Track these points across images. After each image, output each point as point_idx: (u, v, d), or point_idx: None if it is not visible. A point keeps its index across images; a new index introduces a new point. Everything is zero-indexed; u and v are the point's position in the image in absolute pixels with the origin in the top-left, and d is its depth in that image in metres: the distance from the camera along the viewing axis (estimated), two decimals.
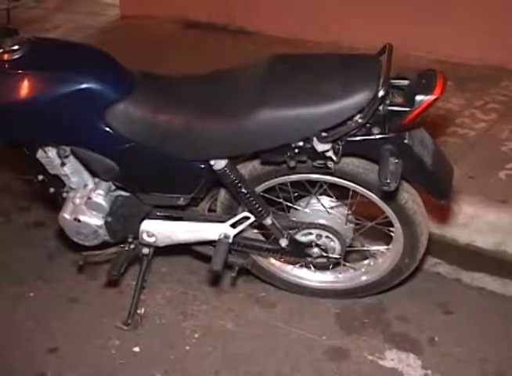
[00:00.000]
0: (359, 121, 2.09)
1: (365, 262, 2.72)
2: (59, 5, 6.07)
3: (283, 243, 2.51)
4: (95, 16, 6.18)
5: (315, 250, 2.54)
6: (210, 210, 2.66)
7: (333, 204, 2.53)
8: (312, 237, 2.53)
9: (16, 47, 2.33)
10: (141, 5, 5.90)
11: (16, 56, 2.31)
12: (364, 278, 2.69)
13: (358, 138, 2.17)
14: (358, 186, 2.36)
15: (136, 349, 2.61)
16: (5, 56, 2.31)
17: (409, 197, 2.37)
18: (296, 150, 2.21)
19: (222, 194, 2.53)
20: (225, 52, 5.05)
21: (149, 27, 5.78)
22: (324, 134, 2.14)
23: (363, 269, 2.70)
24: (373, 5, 4.73)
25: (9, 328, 2.74)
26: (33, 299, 2.88)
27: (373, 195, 2.38)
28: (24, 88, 2.27)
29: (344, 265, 2.70)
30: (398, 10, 4.61)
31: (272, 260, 2.74)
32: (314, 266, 2.71)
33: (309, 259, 2.59)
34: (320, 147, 2.17)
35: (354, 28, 4.80)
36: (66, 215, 2.56)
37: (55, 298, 2.87)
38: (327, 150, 2.18)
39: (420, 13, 4.52)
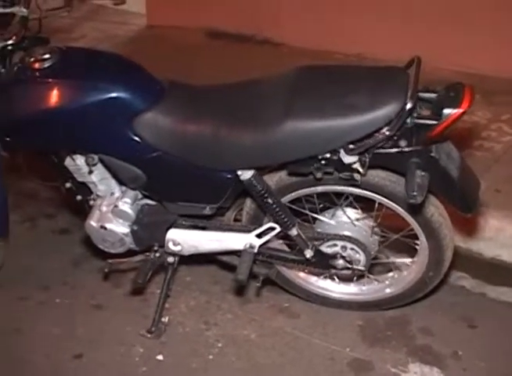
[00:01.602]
0: (387, 133, 2.10)
1: (390, 274, 2.71)
2: (87, 14, 6.12)
3: (308, 254, 2.51)
4: (122, 25, 6.21)
5: (340, 261, 2.54)
6: (235, 220, 2.67)
7: (358, 216, 2.53)
8: (337, 249, 2.53)
9: (46, 56, 2.35)
10: (168, 15, 5.92)
11: (47, 65, 2.33)
12: (388, 290, 2.68)
13: (385, 150, 2.17)
14: (384, 199, 2.36)
15: (160, 357, 2.62)
16: (36, 65, 2.34)
17: (435, 210, 2.37)
18: (323, 162, 2.22)
19: (248, 204, 2.54)
20: (251, 62, 5.05)
21: (175, 37, 5.80)
22: (351, 146, 2.14)
23: (387, 282, 2.69)
24: (398, 17, 4.72)
25: (34, 334, 2.76)
26: (58, 305, 2.90)
27: (398, 207, 2.37)
28: (54, 96, 2.30)
29: (369, 277, 2.69)
30: (423, 22, 4.60)
31: (297, 271, 2.74)
32: (338, 278, 2.71)
33: (334, 271, 2.59)
34: (347, 159, 2.17)
35: (378, 40, 4.79)
36: (93, 222, 2.58)
37: (80, 305, 2.90)
38: (354, 162, 2.19)
39: (446, 25, 4.50)
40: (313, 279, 2.77)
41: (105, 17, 6.30)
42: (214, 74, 4.44)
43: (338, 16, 5.04)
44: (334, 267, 2.57)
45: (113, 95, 2.25)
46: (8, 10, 2.50)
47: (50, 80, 2.32)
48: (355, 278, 2.68)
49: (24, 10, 2.49)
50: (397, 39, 4.68)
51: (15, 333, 2.76)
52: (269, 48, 5.37)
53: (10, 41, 2.51)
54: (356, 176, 2.25)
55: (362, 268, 2.55)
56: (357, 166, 2.19)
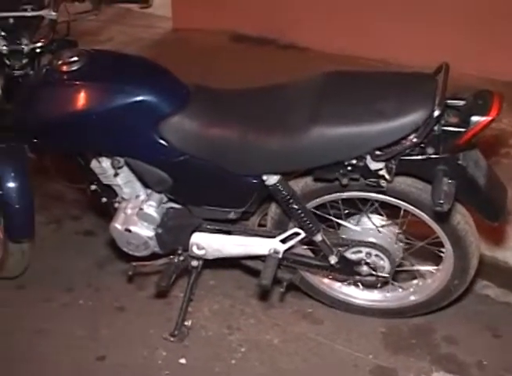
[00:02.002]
0: (414, 140, 2.08)
1: (414, 281, 2.69)
2: (114, 17, 6.16)
3: (333, 260, 2.50)
4: (148, 28, 6.25)
5: (364, 268, 2.53)
6: (260, 225, 2.67)
7: (383, 223, 2.52)
8: (362, 255, 2.52)
9: (74, 59, 2.37)
10: (193, 18, 5.95)
11: (75, 68, 2.35)
12: (412, 298, 2.66)
13: (411, 157, 2.16)
14: (409, 206, 2.35)
15: (182, 361, 2.62)
16: (64, 68, 2.35)
17: (462, 218, 2.35)
18: (349, 168, 2.21)
19: (273, 209, 2.54)
20: (274, 66, 5.05)
21: (200, 40, 5.82)
22: (378, 152, 2.13)
23: (412, 289, 2.68)
24: (423, 22, 4.70)
25: (58, 335, 2.77)
26: (82, 307, 2.92)
27: (424, 215, 2.36)
28: (81, 99, 2.31)
29: (393, 284, 2.68)
30: (449, 27, 4.57)
31: (321, 277, 2.73)
32: (362, 284, 2.70)
33: (358, 277, 2.58)
34: (373, 166, 2.17)
35: (403, 45, 4.78)
36: (118, 225, 2.59)
37: (104, 307, 2.91)
38: (380, 169, 2.18)
39: (472, 30, 4.48)
40: (337, 285, 2.76)
41: (131, 20, 6.34)
42: (238, 77, 4.43)
43: (362, 20, 5.03)
44: (358, 273, 2.55)
45: (140, 98, 2.26)
46: (37, 13, 2.52)
47: (78, 83, 2.33)
48: (379, 285, 2.67)
49: (53, 13, 2.50)
50: (422, 44, 4.66)
51: (39, 333, 2.78)
52: (292, 52, 5.37)
53: (39, 44, 2.54)
54: (382, 183, 2.24)
55: (387, 275, 2.54)
56: (383, 173, 2.19)
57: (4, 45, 2.48)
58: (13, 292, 3.01)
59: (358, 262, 2.53)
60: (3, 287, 3.03)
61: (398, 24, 4.84)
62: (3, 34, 2.51)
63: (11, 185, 2.69)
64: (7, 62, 2.52)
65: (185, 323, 2.71)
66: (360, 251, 2.52)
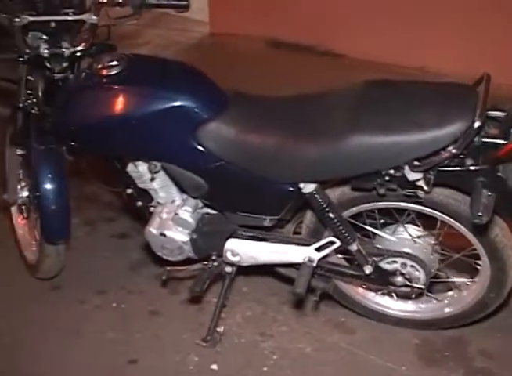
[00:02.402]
0: (453, 151, 2.06)
1: (449, 293, 2.66)
2: (152, 21, 6.19)
3: (367, 270, 2.48)
4: (186, 32, 6.28)
5: (399, 278, 2.51)
6: (295, 232, 2.66)
7: (419, 234, 2.50)
8: (397, 266, 2.50)
9: (114, 63, 2.38)
10: (230, 23, 5.97)
11: (114, 72, 2.36)
12: (447, 310, 2.64)
13: (450, 168, 2.13)
14: (447, 217, 2.33)
15: (214, 367, 2.62)
16: (104, 72, 2.37)
17: (500, 230, 2.32)
18: (386, 178, 2.20)
19: (309, 217, 2.53)
20: (311, 73, 5.06)
21: (236, 45, 5.85)
22: (416, 163, 2.11)
23: (446, 301, 2.65)
24: (462, 31, 4.68)
25: (91, 336, 2.79)
26: (115, 309, 2.94)
27: (461, 227, 2.34)
28: (120, 103, 2.32)
29: (427, 295, 2.66)
30: (487, 35, 4.55)
31: (355, 286, 2.71)
32: (396, 295, 2.68)
33: (392, 288, 2.56)
34: (411, 176, 2.15)
35: (441, 53, 4.76)
36: (153, 229, 2.60)
37: (137, 310, 2.92)
38: (418, 179, 2.16)
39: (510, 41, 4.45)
40: (371, 295, 2.74)
41: (168, 24, 6.38)
42: (274, 83, 4.45)
43: (400, 27, 5.02)
44: (393, 284, 2.53)
45: (179, 103, 2.27)
46: (78, 17, 2.54)
47: (117, 87, 2.34)
48: (413, 296, 2.64)
49: (94, 17, 2.53)
50: (460, 53, 4.64)
51: (72, 334, 2.80)
52: (329, 59, 5.38)
53: (79, 48, 2.57)
54: (420, 193, 2.22)
55: (422, 286, 2.51)
56: (421, 183, 2.17)
57: (45, 49, 2.51)
58: (48, 292, 3.05)
59: (393, 273, 2.51)
60: (39, 287, 3.07)
61: (436, 32, 4.83)
62: (45, 37, 2.54)
63: (48, 186, 2.72)
64: (48, 65, 2.54)
65: (218, 329, 2.71)
66: (395, 262, 2.50)
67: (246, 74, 4.83)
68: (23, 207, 3.01)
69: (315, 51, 5.51)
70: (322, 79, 4.59)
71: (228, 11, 6.04)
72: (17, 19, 2.44)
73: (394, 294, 2.69)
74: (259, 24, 5.76)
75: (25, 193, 2.96)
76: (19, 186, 2.99)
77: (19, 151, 2.87)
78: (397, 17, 5.04)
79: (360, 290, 2.73)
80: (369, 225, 2.51)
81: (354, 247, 2.43)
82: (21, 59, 2.58)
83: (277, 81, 4.68)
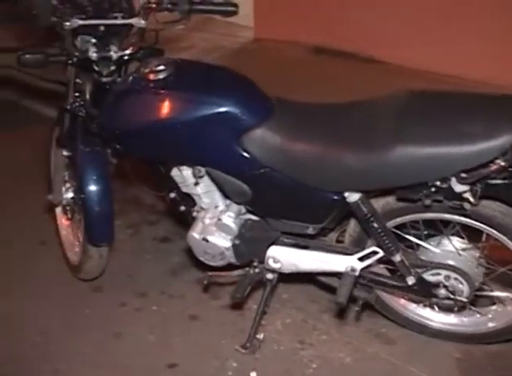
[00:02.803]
0: (502, 164, 2.03)
1: (493, 307, 2.62)
2: (197, 25, 6.22)
3: (410, 281, 2.46)
4: (230, 37, 6.30)
5: (442, 291, 2.47)
6: (337, 241, 2.64)
7: (464, 246, 2.46)
8: (440, 278, 2.47)
9: (161, 67, 2.39)
10: (274, 29, 5.98)
11: (161, 76, 2.37)
12: (490, 324, 2.60)
13: (498, 181, 2.11)
14: (493, 230, 2.30)
15: (253, 374, 2.61)
16: (151, 76, 2.38)
17: None
18: (432, 189, 2.17)
19: (352, 226, 2.51)
20: (353, 79, 5.04)
21: (280, 51, 5.85)
22: (463, 175, 2.09)
23: (490, 315, 2.61)
24: (503, 41, 4.62)
25: (131, 339, 2.81)
26: (155, 313, 2.95)
27: (507, 240, 2.30)
28: (166, 107, 2.33)
29: (471, 309, 2.62)
30: None
31: (396, 297, 2.69)
32: (439, 307, 2.65)
33: (435, 300, 2.52)
34: (458, 188, 2.12)
35: (481, 62, 4.71)
36: (195, 234, 2.60)
37: (177, 314, 2.93)
38: (465, 192, 2.13)
39: None
40: (412, 306, 2.71)
41: (213, 28, 6.41)
42: (317, 89, 4.45)
43: (441, 35, 4.98)
44: (436, 296, 2.50)
45: (225, 109, 2.27)
46: (127, 21, 2.56)
47: (163, 91, 2.35)
48: (456, 309, 2.60)
49: (142, 22, 2.54)
50: (502, 62, 4.58)
51: (113, 336, 2.82)
52: (371, 66, 5.35)
53: (127, 52, 2.58)
54: (466, 206, 2.19)
55: (465, 299, 2.48)
56: (468, 195, 2.14)
57: (94, 52, 2.52)
58: (90, 294, 3.07)
59: (437, 285, 2.47)
60: (81, 288, 3.10)
61: (479, 41, 4.78)
62: (93, 41, 2.56)
63: (93, 188, 2.74)
64: (96, 68, 2.56)
65: (258, 335, 2.70)
66: (439, 274, 2.47)
67: (289, 80, 4.83)
68: (68, 208, 3.05)
69: (357, 57, 5.48)
70: (364, 86, 4.58)
71: (272, 17, 6.05)
72: (67, 23, 2.46)
73: (436, 307, 2.65)
74: (303, 30, 5.76)
75: (70, 195, 2.99)
76: (64, 188, 3.02)
77: (65, 153, 2.90)
78: (438, 25, 5.01)
79: (402, 301, 2.71)
80: (413, 236, 2.49)
81: (397, 257, 2.41)
82: (70, 61, 2.61)
83: (320, 88, 4.67)
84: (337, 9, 5.57)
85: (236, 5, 2.66)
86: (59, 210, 3.21)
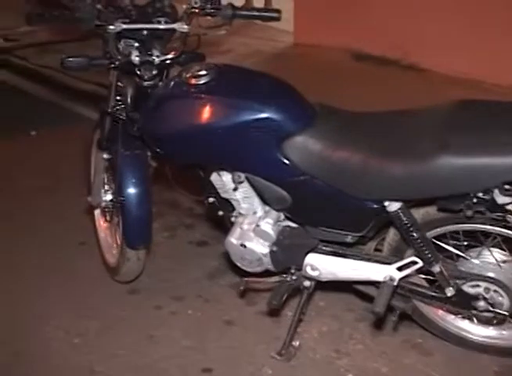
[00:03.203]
0: None
1: None
2: (236, 29, 6.23)
3: (449, 292, 2.43)
4: (269, 41, 6.31)
5: (482, 303, 2.44)
6: (375, 249, 2.62)
7: (505, 258, 2.43)
8: (480, 290, 2.43)
9: (203, 72, 2.39)
10: (314, 34, 5.97)
11: (203, 82, 2.37)
12: None
13: None
14: None
15: None
16: (192, 81, 2.38)
17: None
18: (475, 200, 2.14)
19: (391, 235, 2.49)
20: (395, 87, 5.02)
21: (320, 56, 5.84)
22: (507, 186, 2.05)
23: None
24: None
25: (166, 342, 2.81)
26: (190, 317, 2.95)
27: None
28: (207, 113, 2.34)
29: (510, 322, 2.58)
30: None
31: (434, 308, 2.65)
32: (477, 319, 2.61)
33: (474, 312, 2.49)
34: (501, 200, 2.10)
35: None
36: (233, 239, 2.59)
37: (212, 319, 2.92)
38: (508, 203, 2.11)
39: None
40: (450, 317, 2.67)
41: (252, 33, 6.43)
42: (357, 96, 4.43)
43: (488, 44, 4.92)
44: (475, 308, 2.47)
45: (266, 115, 2.27)
46: (170, 26, 2.58)
47: (205, 96, 2.36)
48: (495, 321, 2.56)
49: (185, 27, 2.56)
50: None
51: (149, 340, 2.82)
52: (413, 73, 5.33)
53: (169, 56, 2.59)
54: (509, 218, 2.16)
55: (505, 312, 2.45)
56: (511, 207, 2.11)
57: (136, 56, 2.54)
58: (126, 296, 3.09)
59: (476, 297, 2.44)
60: (117, 290, 3.11)
61: None
62: (136, 45, 2.58)
63: (132, 191, 2.76)
64: (138, 72, 2.57)
65: (293, 343, 2.69)
66: (478, 286, 2.44)
67: (329, 86, 4.83)
68: (106, 210, 3.07)
69: (399, 64, 5.46)
70: (407, 94, 4.56)
71: (313, 22, 6.05)
72: (111, 27, 2.49)
73: (475, 319, 2.61)
74: (344, 36, 5.74)
75: (109, 197, 3.01)
76: (103, 190, 3.04)
77: (105, 155, 2.92)
78: (486, 33, 4.95)
79: (440, 312, 2.67)
80: (453, 247, 2.46)
81: (436, 268, 2.39)
82: (112, 65, 2.63)
83: (360, 94, 4.66)
84: (379, 14, 5.55)
85: (278, 11, 2.67)
86: (97, 212, 3.24)
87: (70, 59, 2.59)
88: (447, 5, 5.17)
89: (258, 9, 2.76)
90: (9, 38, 7.17)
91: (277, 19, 2.68)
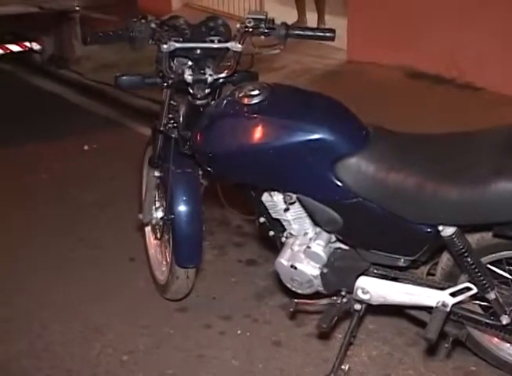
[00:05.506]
0: None
1: None
2: (289, 46, 6.23)
3: (504, 320, 2.36)
4: (322, 58, 6.29)
5: None
6: (428, 274, 2.57)
7: None
8: None
9: (255, 92, 2.38)
10: (368, 52, 5.93)
11: (255, 101, 2.36)
12: None
13: None
14: None
15: None
16: (245, 100, 2.38)
17: None
18: None
19: (444, 260, 2.44)
20: (450, 106, 4.94)
21: (373, 74, 5.79)
22: None
23: None
24: None
25: (215, 362, 2.79)
26: (239, 337, 2.93)
27: None
28: (259, 132, 2.33)
29: None
30: None
31: (489, 335, 2.59)
32: None
33: None
34: None
35: None
36: (284, 260, 2.56)
37: (261, 339, 2.90)
38: None
39: None
40: (506, 346, 2.59)
41: (305, 50, 6.41)
42: (410, 115, 4.37)
43: None
44: None
45: (319, 136, 2.25)
46: (223, 45, 2.59)
47: (257, 116, 2.35)
48: None
49: (239, 46, 2.56)
50: None
51: (197, 359, 2.81)
52: (470, 93, 5.24)
53: (222, 75, 2.59)
54: None
55: None
56: None
57: (189, 75, 2.54)
58: (175, 314, 3.08)
59: None
60: (165, 308, 3.11)
61: None
62: (189, 63, 2.59)
63: (183, 210, 2.76)
64: (191, 91, 2.58)
65: (342, 366, 2.62)
66: None
67: (382, 105, 4.79)
68: (157, 227, 3.07)
69: (455, 83, 5.38)
70: (462, 113, 4.48)
71: (366, 39, 6.01)
72: (165, 46, 2.51)
73: None
74: (398, 54, 5.69)
75: (159, 214, 3.01)
76: (154, 207, 3.04)
77: (156, 173, 2.92)
78: None
79: (495, 340, 2.60)
80: (509, 273, 2.40)
81: (491, 295, 2.32)
82: (166, 83, 2.64)
83: (415, 113, 4.61)
84: (434, 32, 5.48)
85: (333, 31, 2.65)
86: (148, 229, 3.24)
87: (124, 77, 2.61)
88: (503, 24, 5.09)
89: (313, 29, 2.76)
90: None
91: (331, 38, 2.66)
